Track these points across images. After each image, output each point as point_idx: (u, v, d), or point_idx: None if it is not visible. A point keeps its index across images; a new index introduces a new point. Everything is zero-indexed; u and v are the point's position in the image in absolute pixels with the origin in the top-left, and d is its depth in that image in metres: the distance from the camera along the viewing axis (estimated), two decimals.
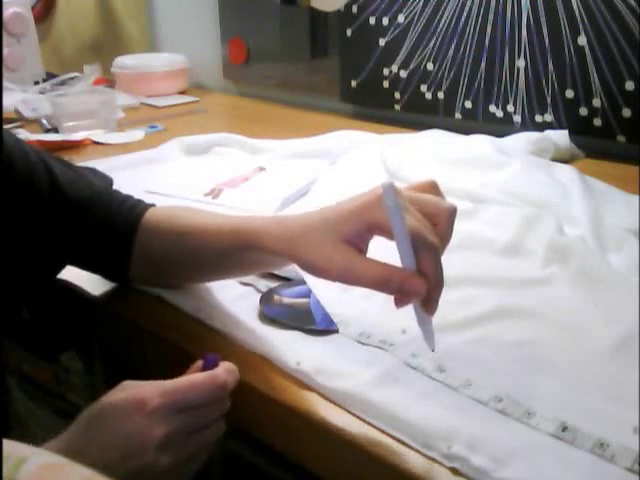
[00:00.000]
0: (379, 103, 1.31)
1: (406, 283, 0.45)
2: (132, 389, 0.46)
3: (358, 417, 0.47)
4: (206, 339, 0.58)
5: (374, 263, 0.47)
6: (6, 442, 0.29)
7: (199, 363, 0.50)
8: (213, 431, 0.48)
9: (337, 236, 0.48)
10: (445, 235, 0.48)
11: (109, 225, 0.61)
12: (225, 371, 0.48)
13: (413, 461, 0.43)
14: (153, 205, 0.65)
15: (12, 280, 0.57)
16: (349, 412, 0.48)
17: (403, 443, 0.44)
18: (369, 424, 0.46)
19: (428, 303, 0.47)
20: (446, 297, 0.60)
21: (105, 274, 0.65)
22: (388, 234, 0.46)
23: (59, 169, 0.60)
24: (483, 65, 1.13)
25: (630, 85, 0.98)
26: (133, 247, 0.61)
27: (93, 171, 0.66)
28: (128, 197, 0.65)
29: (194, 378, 0.47)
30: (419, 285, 0.45)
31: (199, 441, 0.47)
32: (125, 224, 0.61)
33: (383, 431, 0.46)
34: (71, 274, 0.66)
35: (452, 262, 0.67)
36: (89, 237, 0.61)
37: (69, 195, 0.59)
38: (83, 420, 0.45)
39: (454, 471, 0.42)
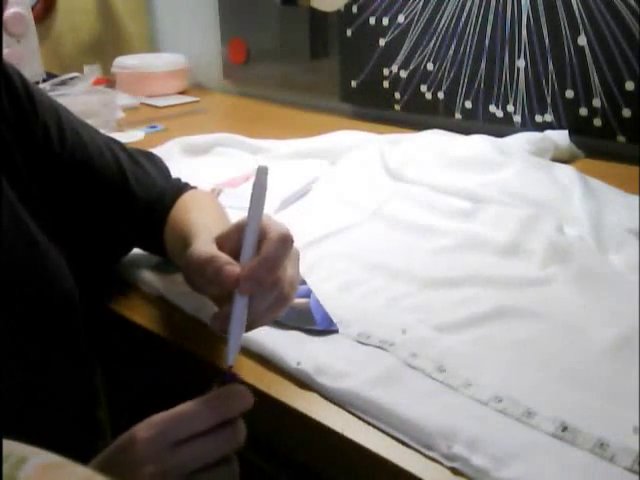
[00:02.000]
0: (379, 103, 1.31)
1: (225, 267, 0.44)
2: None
3: (358, 417, 0.47)
4: (206, 339, 0.58)
5: (212, 247, 0.47)
6: (6, 442, 0.29)
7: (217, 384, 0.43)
8: (222, 472, 0.41)
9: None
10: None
11: (160, 220, 0.66)
12: (227, 395, 0.42)
13: (413, 461, 0.43)
14: (188, 189, 0.69)
15: (80, 264, 0.61)
16: (349, 412, 0.48)
17: (403, 443, 0.44)
18: (369, 424, 0.46)
19: (252, 310, 0.45)
20: (446, 297, 0.61)
21: (153, 253, 0.70)
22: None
23: (128, 166, 0.65)
24: (483, 65, 1.13)
25: (630, 85, 0.98)
26: (164, 234, 0.66)
27: (150, 158, 0.72)
28: (177, 188, 0.69)
29: (186, 405, 0.41)
30: (234, 273, 0.43)
31: None
32: (162, 213, 0.66)
33: (383, 431, 0.46)
34: None
35: (452, 262, 0.68)
36: (145, 228, 0.66)
37: (136, 194, 0.65)
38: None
39: (454, 471, 0.42)
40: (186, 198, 0.67)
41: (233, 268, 0.44)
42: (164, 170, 0.73)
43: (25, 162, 0.56)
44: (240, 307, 0.44)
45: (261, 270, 0.44)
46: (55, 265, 0.54)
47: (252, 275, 0.44)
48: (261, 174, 0.47)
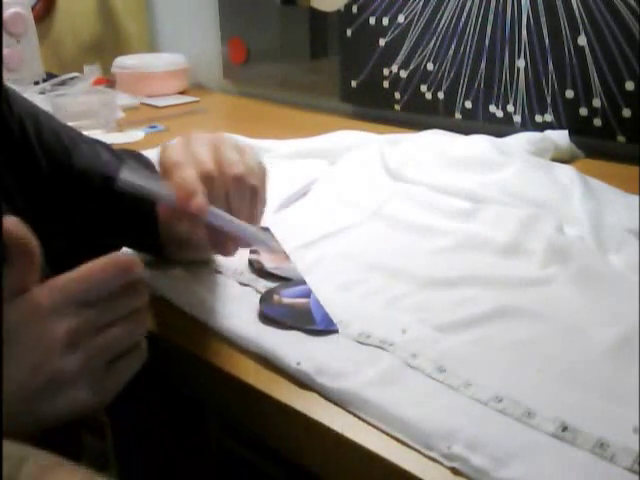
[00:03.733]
0: (379, 103, 1.31)
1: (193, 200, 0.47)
2: (23, 294, 0.39)
3: (358, 417, 0.47)
4: (206, 339, 0.58)
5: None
6: (6, 442, 0.29)
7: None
8: (130, 325, 0.42)
9: None
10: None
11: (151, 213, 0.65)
12: (124, 259, 0.42)
13: (413, 461, 0.43)
14: None
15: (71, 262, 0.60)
16: (349, 412, 0.48)
17: (403, 443, 0.44)
18: (369, 424, 0.46)
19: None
20: (446, 297, 0.61)
21: (148, 252, 0.70)
22: None
23: (112, 164, 0.64)
24: (483, 65, 1.13)
25: (630, 85, 0.98)
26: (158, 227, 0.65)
27: (136, 157, 0.71)
28: None
29: (91, 265, 0.40)
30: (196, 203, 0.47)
31: (113, 337, 0.41)
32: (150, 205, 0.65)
33: (383, 431, 0.46)
34: None
35: (452, 262, 0.68)
36: (138, 225, 0.65)
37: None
38: None
39: (454, 471, 0.42)
40: None
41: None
42: (150, 167, 0.72)
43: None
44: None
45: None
46: None
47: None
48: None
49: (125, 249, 0.70)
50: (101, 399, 0.41)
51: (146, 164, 0.72)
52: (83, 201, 0.63)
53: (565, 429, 0.44)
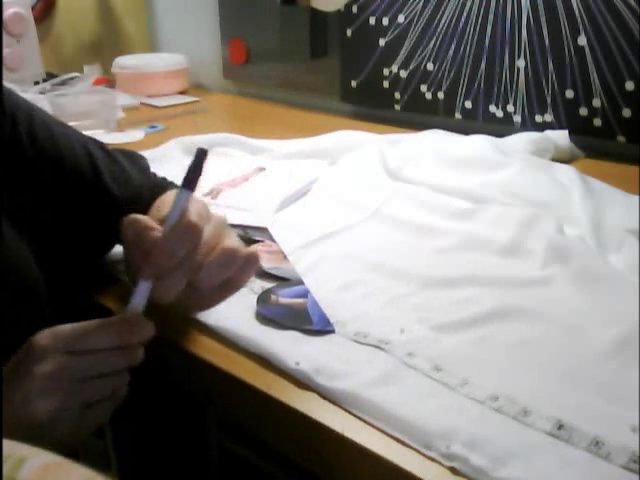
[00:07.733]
0: (379, 103, 1.31)
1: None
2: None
3: (357, 416, 0.47)
4: (205, 339, 0.58)
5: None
6: (6, 442, 0.29)
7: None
8: (113, 382, 0.46)
9: None
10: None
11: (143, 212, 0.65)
12: (130, 323, 0.46)
13: (412, 460, 0.43)
14: (167, 189, 0.68)
15: (63, 265, 0.62)
16: (348, 412, 0.48)
17: (402, 442, 0.45)
18: (368, 423, 0.46)
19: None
20: (446, 297, 0.61)
21: None
22: None
23: (103, 163, 0.65)
24: (483, 65, 1.13)
25: (630, 85, 0.98)
26: None
27: (130, 157, 0.71)
28: (160, 187, 0.68)
29: (90, 324, 0.45)
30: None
31: (94, 390, 0.45)
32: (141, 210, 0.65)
33: (381, 430, 0.46)
34: None
35: (452, 262, 0.68)
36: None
37: (111, 190, 0.64)
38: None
39: (453, 470, 0.42)
40: (165, 198, 0.64)
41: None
42: (144, 169, 0.72)
43: None
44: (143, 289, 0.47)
45: (157, 258, 0.47)
46: (16, 256, 0.54)
47: (150, 262, 0.47)
48: (200, 155, 0.51)
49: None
50: (75, 437, 0.45)
51: (140, 165, 0.72)
52: (74, 199, 0.63)
53: (561, 427, 0.44)
